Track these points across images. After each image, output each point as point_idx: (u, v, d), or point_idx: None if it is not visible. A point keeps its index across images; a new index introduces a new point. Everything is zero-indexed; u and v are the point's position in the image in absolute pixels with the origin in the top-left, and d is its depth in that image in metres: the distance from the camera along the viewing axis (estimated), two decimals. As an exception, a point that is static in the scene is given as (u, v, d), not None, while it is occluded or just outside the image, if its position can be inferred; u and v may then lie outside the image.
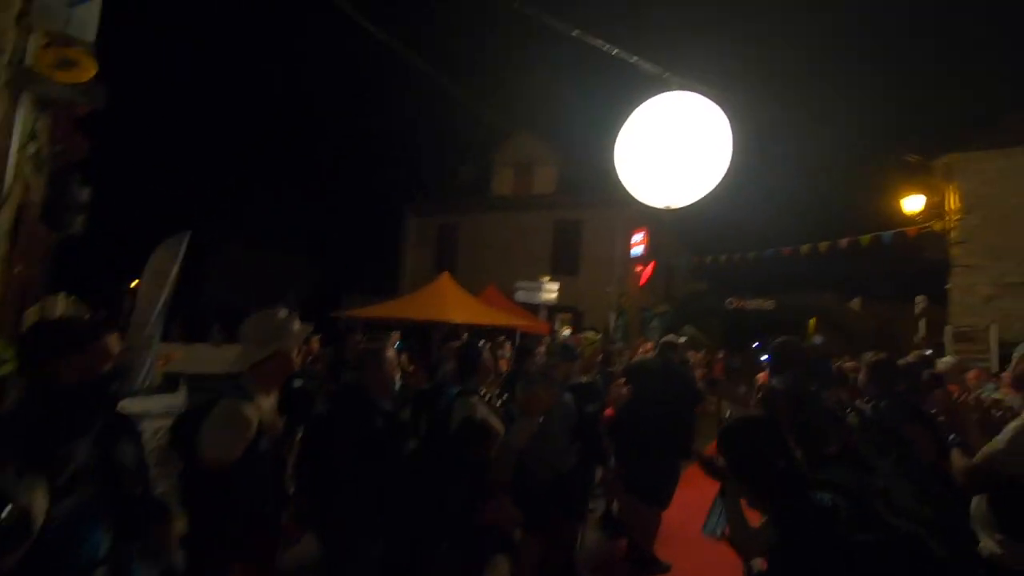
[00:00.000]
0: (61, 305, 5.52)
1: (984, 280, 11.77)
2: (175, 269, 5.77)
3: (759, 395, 1.89)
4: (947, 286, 12.35)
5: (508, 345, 7.56)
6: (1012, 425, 2.12)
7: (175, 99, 39.98)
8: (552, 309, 17.27)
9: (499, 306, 14.06)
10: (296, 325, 2.19)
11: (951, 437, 2.30)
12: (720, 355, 16.80)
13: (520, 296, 17.16)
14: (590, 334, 6.06)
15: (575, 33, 5.93)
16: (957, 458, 2.22)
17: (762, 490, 1.37)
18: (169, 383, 5.99)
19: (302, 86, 51.26)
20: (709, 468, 1.92)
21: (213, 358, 16.20)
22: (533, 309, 16.28)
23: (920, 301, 13.10)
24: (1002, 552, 2.00)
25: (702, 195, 3.80)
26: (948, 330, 11.72)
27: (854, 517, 1.22)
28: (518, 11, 5.81)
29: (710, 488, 2.24)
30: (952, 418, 2.36)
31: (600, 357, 5.60)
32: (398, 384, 2.70)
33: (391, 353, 2.63)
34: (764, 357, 8.09)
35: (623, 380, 4.09)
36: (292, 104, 48.97)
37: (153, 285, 5.77)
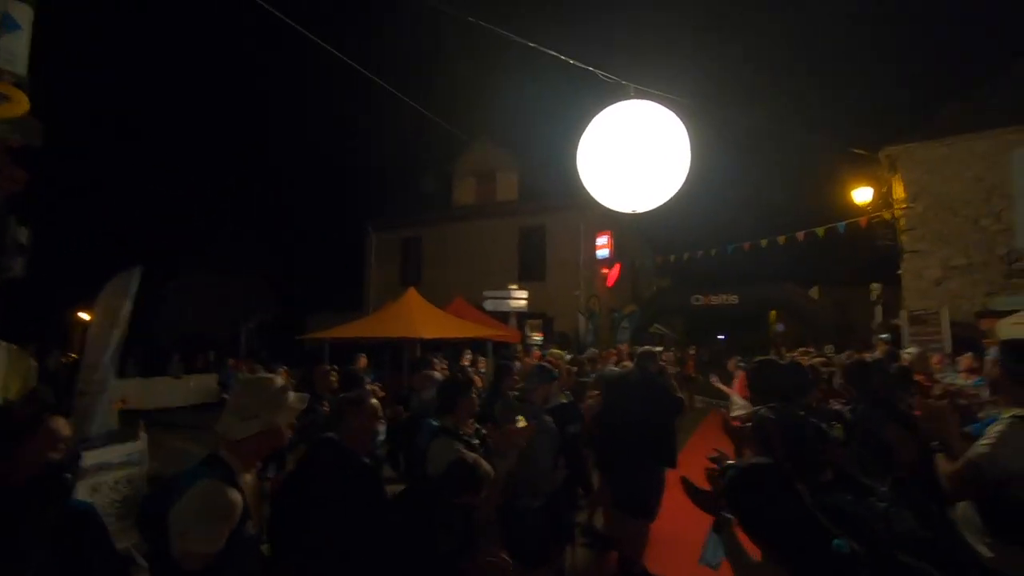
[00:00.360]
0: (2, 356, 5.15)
1: (932, 264, 12.32)
2: (127, 306, 5.46)
3: (750, 424, 1.86)
4: (899, 271, 12.87)
5: (483, 360, 7.49)
6: (993, 430, 2.15)
7: (122, 126, 38.43)
8: (522, 316, 17.25)
9: (468, 317, 13.94)
10: (292, 396, 1.92)
11: (934, 444, 2.33)
12: (692, 351, 17.08)
13: (489, 305, 17.06)
14: (556, 350, 6.04)
15: (533, 44, 5.95)
16: (942, 464, 2.24)
17: (778, 542, 1.34)
18: (128, 425, 5.66)
19: (256, 106, 50.13)
20: (699, 499, 1.88)
21: (174, 391, 15.61)
22: (503, 318, 16.24)
23: (875, 288, 13.64)
24: (992, 556, 2.03)
25: (666, 199, 3.85)
26: (903, 314, 12.21)
27: (872, 563, 1.21)
28: (475, 23, 5.77)
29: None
30: (932, 424, 2.38)
31: (574, 369, 5.58)
32: (381, 435, 2.56)
33: (373, 403, 2.44)
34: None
35: (596, 392, 4.07)
36: (247, 125, 47.77)
37: (104, 324, 5.45)
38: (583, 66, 5.46)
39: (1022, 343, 2.36)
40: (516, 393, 3.62)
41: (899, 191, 12.93)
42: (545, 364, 3.62)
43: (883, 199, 13.47)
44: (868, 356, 4.19)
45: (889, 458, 2.49)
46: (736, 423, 2.79)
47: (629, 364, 5.33)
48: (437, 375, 3.50)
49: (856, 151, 13.16)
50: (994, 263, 11.68)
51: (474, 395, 2.96)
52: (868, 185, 13.72)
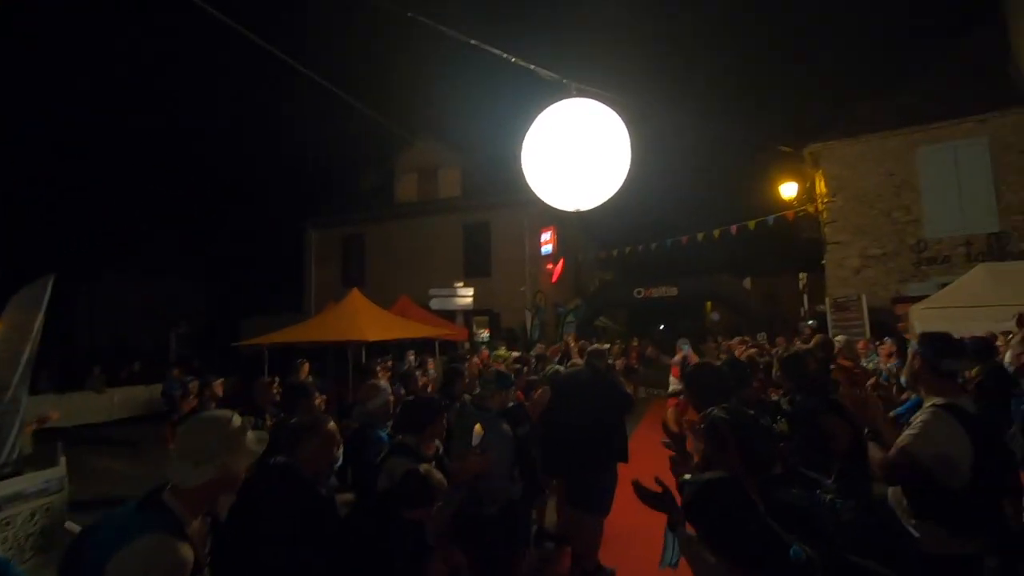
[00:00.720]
0: None
1: (852, 254, 13.19)
2: (39, 318, 5.00)
3: (701, 427, 1.92)
4: (823, 261, 13.71)
5: (431, 362, 7.39)
6: (918, 419, 2.31)
7: (31, 116, 35.07)
8: (468, 314, 17.18)
9: (414, 317, 13.72)
10: (250, 437, 1.70)
11: (866, 432, 2.48)
12: (635, 343, 17.51)
13: (435, 304, 16.91)
14: (502, 351, 6.05)
15: (473, 42, 5.88)
16: (874, 452, 2.39)
17: (738, 554, 1.37)
18: (44, 448, 5.20)
19: (184, 101, 47.14)
20: (651, 501, 1.91)
21: (96, 406, 14.51)
22: (449, 316, 16.10)
23: (802, 277, 14.46)
24: (918, 536, 2.18)
25: (608, 196, 3.93)
26: (827, 301, 13.02)
27: (824, 565, 1.27)
28: (415, 19, 5.64)
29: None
30: (862, 412, 2.52)
31: (524, 369, 5.59)
32: (339, 460, 2.41)
33: (331, 427, 2.25)
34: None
35: (543, 388, 4.09)
36: (173, 119, 44.75)
37: (12, 340, 4.97)
38: (524, 64, 5.45)
39: (939, 336, 2.53)
40: (468, 396, 3.57)
41: (821, 186, 13.75)
42: (503, 371, 3.58)
43: (807, 194, 14.30)
44: (801, 346, 4.43)
45: (827, 447, 2.63)
46: (672, 401, 2.84)
47: (578, 360, 5.39)
48: (383, 384, 3.39)
49: (782, 148, 13.90)
50: (905, 252, 12.64)
51: (444, 421, 2.88)
52: (794, 181, 14.54)
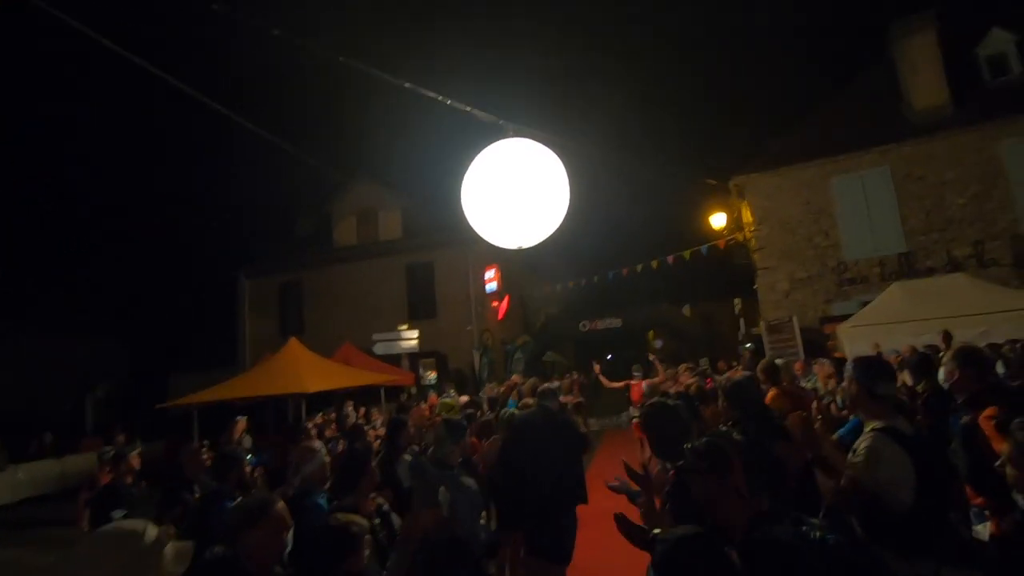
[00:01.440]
0: None
1: (781, 278, 13.90)
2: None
3: (667, 489, 1.86)
4: (755, 286, 14.36)
5: (375, 412, 7.06)
6: (862, 446, 2.34)
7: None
8: (414, 357, 16.77)
9: (358, 364, 13.20)
10: (169, 553, 1.41)
11: (812, 458, 2.49)
12: (575, 376, 17.45)
13: (379, 349, 16.40)
14: (449, 399, 5.87)
15: (408, 85, 5.88)
16: (823, 480, 2.40)
17: None
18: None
19: (105, 148, 44.70)
20: (634, 536, 1.85)
21: (-2, 486, 12.91)
22: (395, 360, 15.64)
23: (737, 303, 15.08)
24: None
25: (550, 232, 3.96)
26: (762, 324, 13.58)
27: None
28: (348, 64, 5.58)
29: (608, 527, 2.13)
30: (807, 439, 2.55)
31: (477, 413, 5.40)
32: (289, 545, 2.12)
33: (280, 508, 1.96)
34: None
35: (494, 437, 3.95)
36: (93, 168, 42.21)
37: None
38: (459, 106, 5.49)
39: (872, 361, 2.61)
40: (414, 451, 3.35)
41: (748, 216, 14.53)
42: (453, 420, 3.40)
43: (736, 223, 15.07)
44: (741, 373, 4.50)
45: (779, 474, 2.63)
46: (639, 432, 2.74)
47: (529, 400, 5.27)
48: (317, 444, 3.13)
49: (709, 181, 14.64)
50: (828, 274, 13.45)
51: (375, 467, 2.67)
52: (723, 211, 15.31)
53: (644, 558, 1.76)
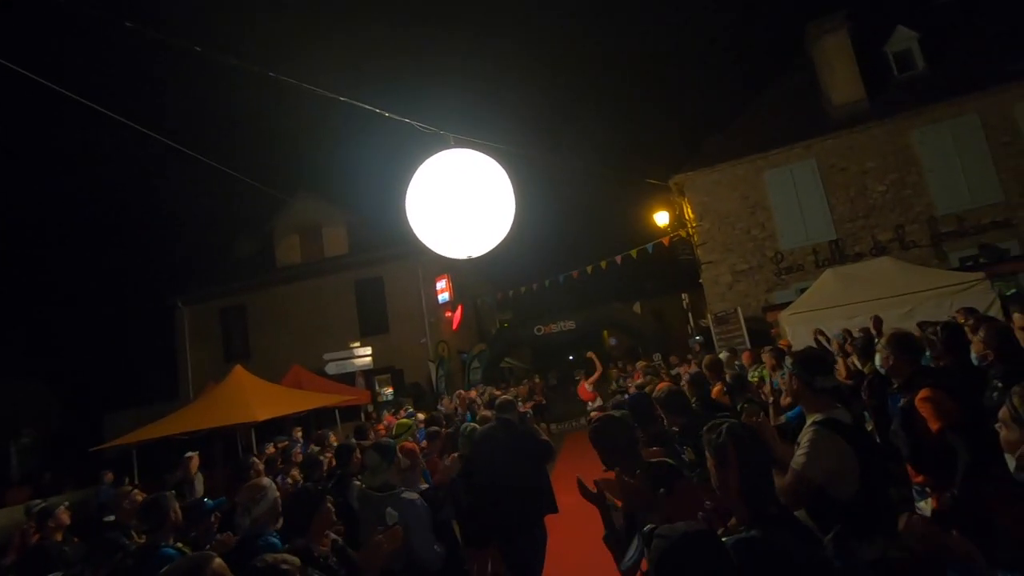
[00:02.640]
0: None
1: (724, 271, 14.39)
2: None
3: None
4: (700, 280, 14.81)
5: (332, 436, 6.81)
6: (805, 439, 2.41)
7: None
8: (369, 374, 16.40)
9: (309, 386, 12.75)
10: None
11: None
12: (537, 380, 17.53)
13: (332, 369, 15.98)
14: (405, 420, 5.75)
15: (343, 99, 5.72)
16: (777, 477, 2.45)
17: None
18: None
19: (19, 166, 41.47)
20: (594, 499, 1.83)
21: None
22: (348, 379, 15.23)
23: (684, 297, 15.50)
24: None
25: (498, 241, 3.95)
26: (709, 316, 14.02)
27: None
28: (280, 80, 5.38)
29: (577, 531, 2.11)
30: (761, 435, 2.60)
31: (440, 430, 5.29)
32: None
33: (216, 565, 1.77)
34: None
35: (454, 456, 3.87)
36: (3, 189, 38.98)
37: None
38: (399, 118, 5.39)
39: (811, 355, 2.70)
40: (361, 485, 3.21)
41: (689, 212, 14.99)
42: (382, 442, 3.27)
43: (678, 220, 15.52)
44: (691, 369, 4.61)
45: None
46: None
47: (487, 413, 5.20)
48: (266, 482, 2.96)
49: (651, 181, 15.03)
50: (767, 265, 14.03)
51: (329, 504, 2.53)
52: (665, 209, 15.75)
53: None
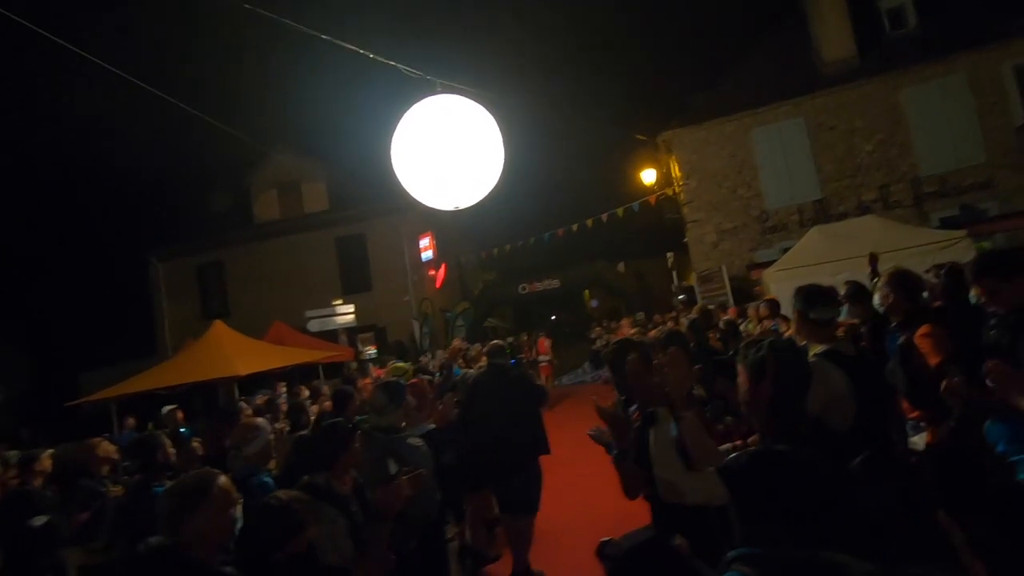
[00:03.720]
0: None
1: (709, 230, 14.41)
2: None
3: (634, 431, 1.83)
4: (685, 239, 14.83)
5: (326, 388, 6.75)
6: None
7: None
8: (352, 332, 16.26)
9: (291, 343, 12.59)
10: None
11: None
12: (524, 338, 17.55)
13: (314, 326, 15.77)
14: (401, 364, 5.67)
15: (325, 37, 5.40)
16: None
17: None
18: None
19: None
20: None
21: None
22: (331, 337, 15.09)
23: (670, 256, 15.54)
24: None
25: (486, 192, 3.86)
26: (693, 275, 14.11)
27: None
28: (257, 13, 5.04)
29: (572, 474, 2.10)
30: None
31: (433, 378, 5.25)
32: (240, 520, 1.89)
33: (222, 483, 1.74)
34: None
35: (454, 398, 3.83)
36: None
37: None
38: (385, 61, 5.11)
39: (810, 288, 2.70)
40: (363, 420, 3.16)
41: (676, 170, 14.87)
42: (391, 383, 3.21)
43: (665, 178, 15.40)
44: (683, 317, 4.60)
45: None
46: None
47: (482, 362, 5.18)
48: (260, 421, 2.89)
49: (639, 137, 14.82)
50: (751, 223, 14.07)
51: (356, 443, 2.45)
52: (652, 167, 15.59)
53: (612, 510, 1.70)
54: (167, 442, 3.10)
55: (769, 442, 1.57)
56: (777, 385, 1.62)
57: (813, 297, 2.61)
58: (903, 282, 3.01)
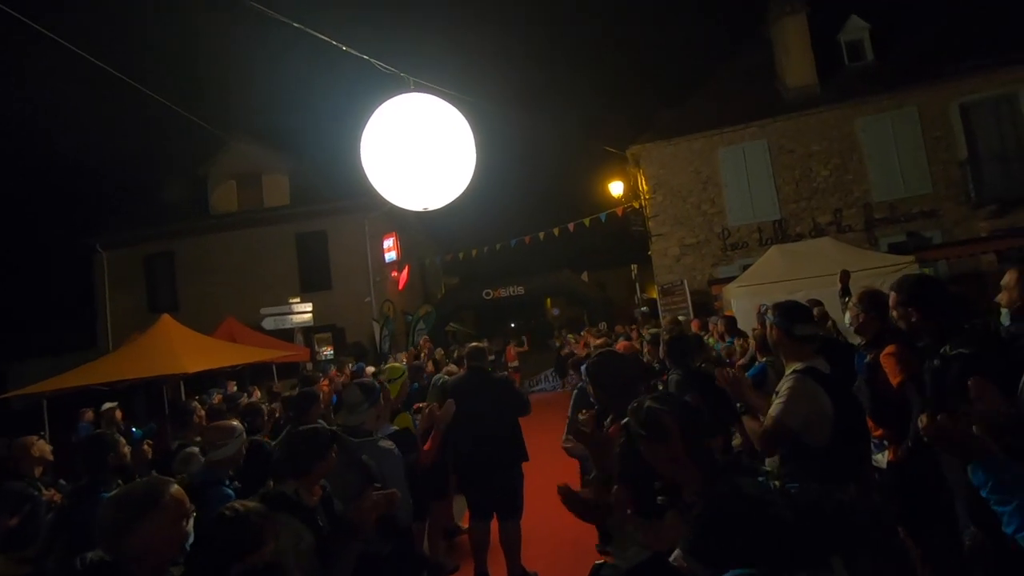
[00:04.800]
0: None
1: (672, 244, 14.67)
2: None
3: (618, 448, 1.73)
4: (649, 252, 15.04)
5: (280, 386, 6.45)
6: (784, 387, 2.41)
7: None
8: (309, 331, 15.77)
9: (244, 340, 12.07)
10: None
11: (739, 406, 2.55)
12: (485, 344, 17.48)
13: (269, 324, 15.21)
14: (396, 364, 5.50)
15: (297, 25, 5.19)
16: (749, 423, 2.46)
17: None
18: None
19: None
20: (584, 514, 1.71)
21: None
22: (287, 336, 14.58)
23: (634, 268, 15.73)
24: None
25: (457, 195, 3.80)
26: (656, 288, 14.32)
27: None
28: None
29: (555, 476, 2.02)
30: (735, 389, 2.60)
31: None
32: (191, 536, 1.70)
33: (175, 492, 1.58)
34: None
35: (451, 401, 3.72)
36: None
37: None
38: (358, 54, 4.96)
39: (791, 305, 2.69)
40: (336, 427, 3.00)
41: (643, 184, 15.09)
42: (366, 382, 3.06)
43: (632, 191, 15.61)
44: (658, 330, 4.60)
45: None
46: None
47: (453, 368, 5.06)
48: (236, 424, 2.69)
49: (608, 149, 14.98)
50: (714, 240, 14.40)
51: (334, 452, 2.26)
52: (620, 180, 15.78)
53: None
54: (122, 442, 2.84)
55: (704, 490, 1.44)
56: (686, 439, 1.53)
57: (795, 313, 2.59)
58: (875, 302, 3.06)
